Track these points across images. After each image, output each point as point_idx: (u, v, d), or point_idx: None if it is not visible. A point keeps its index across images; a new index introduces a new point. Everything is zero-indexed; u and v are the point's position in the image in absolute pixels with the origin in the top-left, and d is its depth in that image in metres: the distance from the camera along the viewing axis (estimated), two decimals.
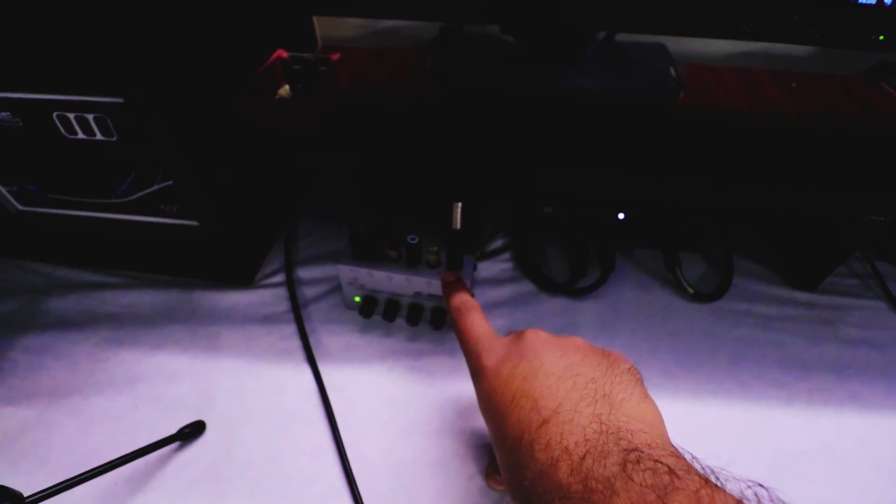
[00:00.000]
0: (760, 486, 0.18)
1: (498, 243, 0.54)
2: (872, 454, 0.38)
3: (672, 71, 0.50)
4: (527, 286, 0.50)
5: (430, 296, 0.43)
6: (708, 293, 0.48)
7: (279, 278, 0.50)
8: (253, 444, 0.38)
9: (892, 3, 0.38)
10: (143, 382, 0.41)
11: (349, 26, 0.63)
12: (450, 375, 0.42)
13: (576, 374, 0.24)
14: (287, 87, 0.48)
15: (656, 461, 0.18)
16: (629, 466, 0.18)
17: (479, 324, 0.31)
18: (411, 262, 0.42)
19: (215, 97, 0.43)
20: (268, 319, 0.46)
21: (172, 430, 0.37)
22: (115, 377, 0.41)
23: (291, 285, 0.48)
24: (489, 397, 0.25)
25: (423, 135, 0.45)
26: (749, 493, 0.18)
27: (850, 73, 0.57)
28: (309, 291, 0.49)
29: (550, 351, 0.26)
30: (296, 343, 0.44)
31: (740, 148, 0.44)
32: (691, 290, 0.47)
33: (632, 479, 0.18)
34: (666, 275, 0.50)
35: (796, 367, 0.43)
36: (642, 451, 0.19)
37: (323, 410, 0.39)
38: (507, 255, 0.53)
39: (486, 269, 0.51)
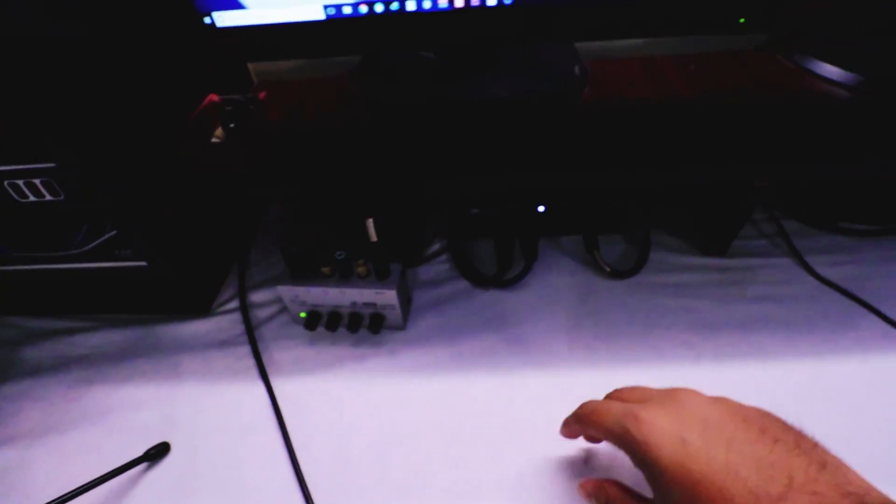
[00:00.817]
0: None
1: (436, 247, 0.58)
2: (770, 398, 0.41)
3: (576, 69, 0.54)
4: (463, 284, 0.54)
5: (366, 304, 0.47)
6: (625, 270, 0.52)
7: (235, 304, 0.54)
8: (213, 459, 0.42)
9: None
10: (113, 414, 0.45)
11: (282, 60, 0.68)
12: (388, 373, 0.46)
13: None
14: (220, 129, 0.52)
15: None
16: None
17: None
18: (343, 275, 0.46)
19: (151, 146, 0.47)
20: (225, 343, 0.50)
21: (141, 454, 0.41)
22: (88, 412, 0.45)
23: (245, 310, 0.53)
24: None
25: (346, 157, 0.49)
26: None
27: (748, 48, 0.61)
28: (262, 313, 0.53)
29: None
30: (250, 362, 0.48)
31: (639, 133, 0.48)
32: (608, 269, 0.51)
33: None
34: (589, 258, 0.54)
35: (705, 328, 0.47)
36: None
37: (276, 420, 0.43)
38: (444, 258, 0.57)
39: (426, 272, 0.56)
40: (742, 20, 0.44)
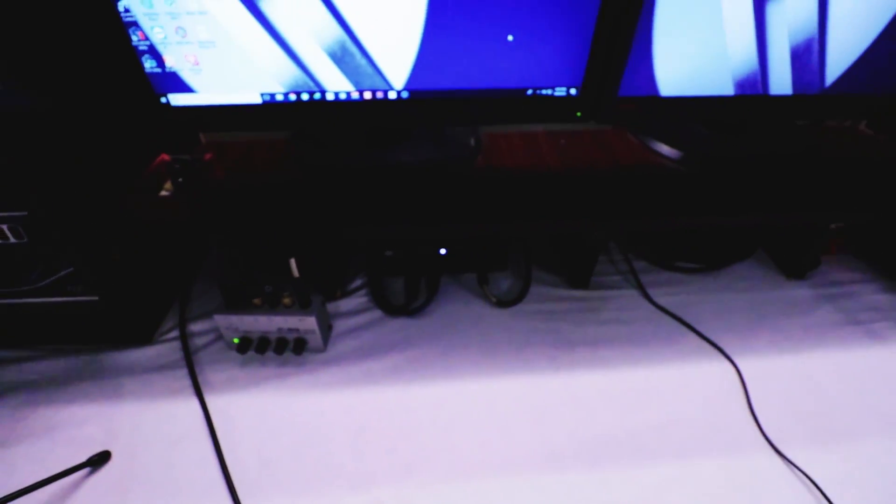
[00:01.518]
0: None
1: (358, 283, 0.69)
2: (608, 398, 0.54)
3: (472, 141, 0.68)
4: (377, 314, 0.64)
5: (290, 329, 0.56)
6: (509, 300, 0.64)
7: (175, 333, 0.61)
8: (150, 463, 0.49)
9: (577, 94, 0.58)
10: (58, 430, 0.51)
11: None
12: (308, 388, 0.55)
13: None
14: (169, 183, 0.62)
15: None
16: None
17: None
18: (271, 305, 0.56)
19: (107, 197, 0.56)
20: (164, 367, 0.57)
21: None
22: (35, 429, 0.51)
23: (184, 338, 0.60)
24: None
25: (277, 208, 0.59)
26: None
27: (607, 128, 0.78)
28: (200, 341, 0.61)
29: None
30: (187, 382, 0.56)
31: (517, 194, 0.62)
32: (494, 300, 0.63)
33: None
34: (481, 291, 0.66)
35: (566, 344, 0.59)
36: None
37: (207, 430, 0.51)
38: (364, 292, 0.67)
39: (347, 303, 0.66)
40: (578, 114, 0.60)
